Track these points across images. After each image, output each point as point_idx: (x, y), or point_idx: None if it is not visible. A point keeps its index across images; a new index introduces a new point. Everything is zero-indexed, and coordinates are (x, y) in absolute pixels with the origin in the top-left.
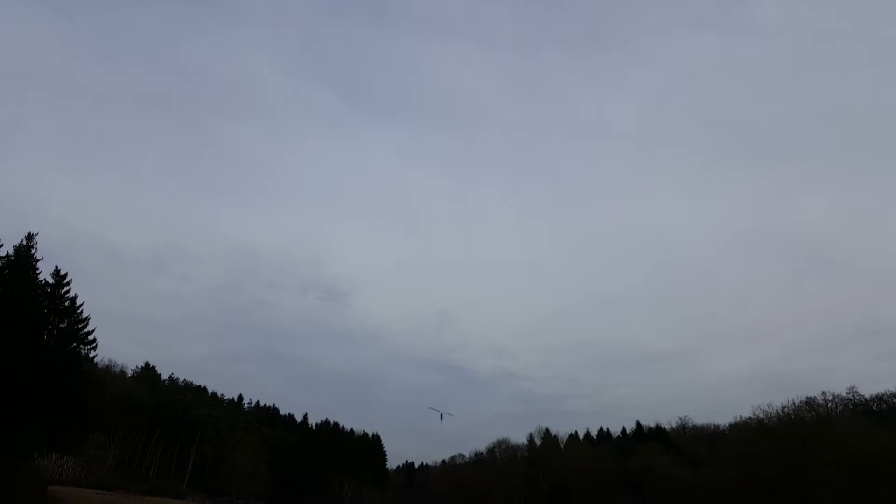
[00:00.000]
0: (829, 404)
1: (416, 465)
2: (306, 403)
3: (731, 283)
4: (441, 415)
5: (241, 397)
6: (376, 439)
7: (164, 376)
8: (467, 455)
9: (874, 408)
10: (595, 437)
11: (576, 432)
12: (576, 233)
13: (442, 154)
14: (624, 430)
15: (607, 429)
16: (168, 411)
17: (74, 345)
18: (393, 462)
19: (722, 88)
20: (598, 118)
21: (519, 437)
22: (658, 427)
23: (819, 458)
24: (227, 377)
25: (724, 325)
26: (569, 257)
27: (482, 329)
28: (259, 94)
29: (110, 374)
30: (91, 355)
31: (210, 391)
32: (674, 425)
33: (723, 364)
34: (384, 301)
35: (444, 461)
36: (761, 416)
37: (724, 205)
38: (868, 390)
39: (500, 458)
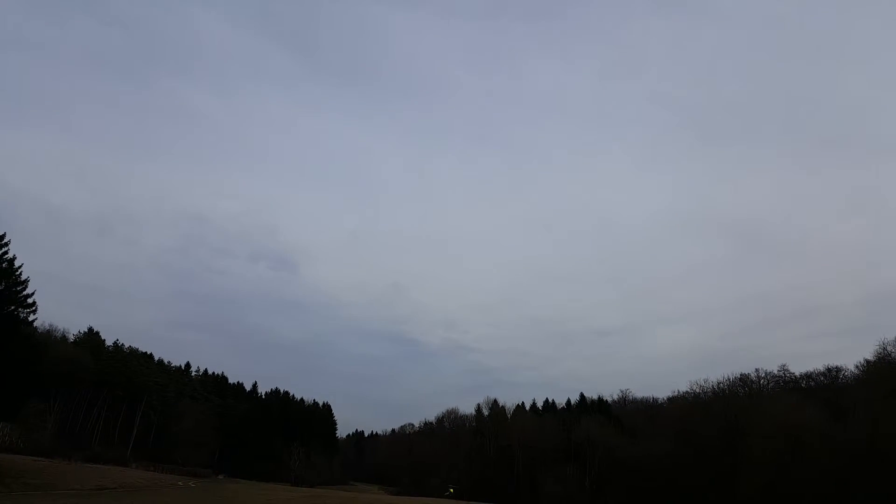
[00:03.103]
0: (762, 381)
1: (367, 434)
2: (256, 372)
3: (675, 262)
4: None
5: (188, 365)
6: (326, 408)
7: (109, 342)
8: (417, 425)
9: (803, 385)
10: (541, 407)
11: (522, 403)
12: (529, 207)
13: (399, 123)
14: (569, 401)
15: (553, 400)
16: (112, 378)
17: (12, 307)
18: (343, 431)
19: (673, 68)
20: (553, 92)
21: (468, 408)
22: (601, 399)
23: (750, 430)
24: (174, 344)
25: (666, 303)
26: (522, 232)
27: (435, 302)
28: (212, 54)
29: (51, 339)
30: (31, 319)
31: (156, 358)
32: (615, 398)
33: (664, 340)
34: (337, 271)
35: (393, 430)
36: (697, 390)
37: (669, 185)
38: (798, 368)
39: (448, 428)
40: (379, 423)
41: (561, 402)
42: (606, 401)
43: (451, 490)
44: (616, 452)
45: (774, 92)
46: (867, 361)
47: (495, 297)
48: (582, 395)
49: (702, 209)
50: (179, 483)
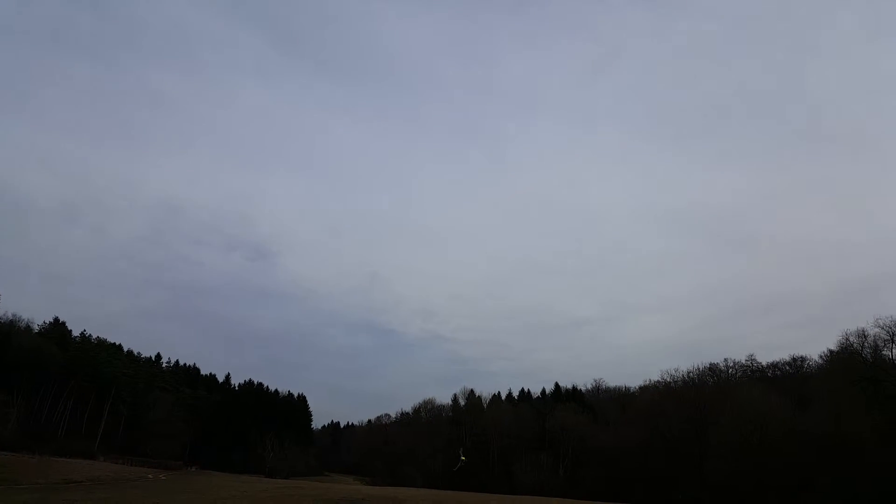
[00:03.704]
0: (730, 370)
1: (342, 425)
2: (229, 364)
3: (650, 254)
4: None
5: (159, 356)
6: (302, 400)
7: (76, 333)
8: (393, 415)
9: (769, 374)
10: (517, 397)
11: (499, 393)
12: (508, 199)
13: (379, 113)
14: (544, 390)
15: (528, 390)
16: (79, 369)
17: None
18: (319, 422)
19: (651, 65)
20: (533, 85)
21: (445, 398)
22: (575, 388)
23: (718, 418)
24: (144, 335)
25: (640, 295)
26: (501, 223)
27: (413, 292)
28: (187, 40)
29: (14, 329)
30: None
31: (126, 349)
32: (589, 387)
33: (637, 331)
34: (314, 262)
35: (370, 421)
36: (668, 379)
37: (647, 179)
38: (764, 358)
39: (425, 418)
40: (356, 414)
41: (536, 391)
42: (580, 390)
43: (463, 459)
44: (589, 440)
45: (747, 87)
46: (831, 352)
47: (473, 288)
48: (557, 385)
49: (677, 203)
50: (149, 476)
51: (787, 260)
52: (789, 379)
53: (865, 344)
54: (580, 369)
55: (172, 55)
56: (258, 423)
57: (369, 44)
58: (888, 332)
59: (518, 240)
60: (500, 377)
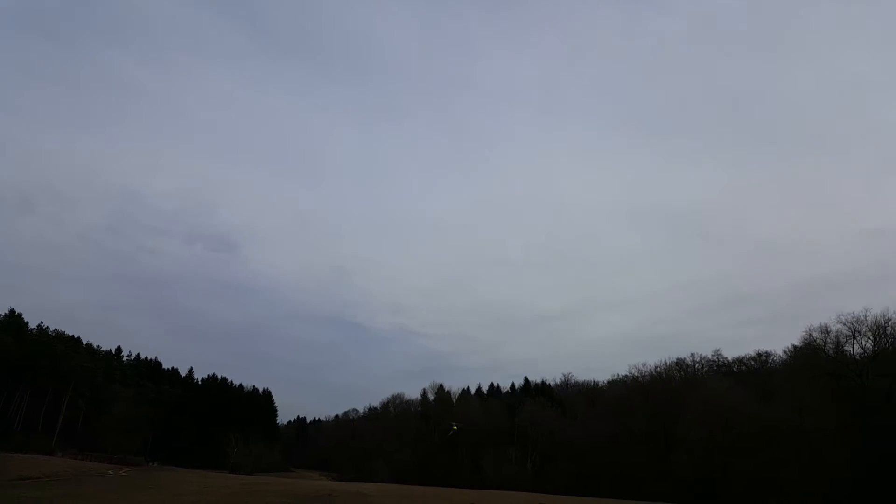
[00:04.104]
0: (696, 365)
1: (309, 421)
2: (192, 357)
3: (618, 249)
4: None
5: (119, 349)
6: (267, 394)
7: (32, 325)
8: (361, 410)
9: (734, 369)
10: (486, 391)
11: (468, 387)
12: (478, 193)
13: (349, 102)
14: (513, 385)
15: (498, 384)
16: (35, 362)
17: None
18: (285, 417)
19: (621, 62)
20: (505, 79)
21: (414, 393)
22: (544, 383)
23: (685, 412)
24: (104, 327)
25: (608, 289)
26: (470, 217)
27: (382, 286)
28: (149, 23)
29: None
30: None
31: (85, 342)
32: (558, 381)
33: (606, 325)
34: (280, 254)
35: (337, 416)
36: (636, 374)
37: (616, 175)
38: (730, 353)
39: (393, 413)
40: (323, 409)
41: (506, 386)
42: (549, 385)
43: (455, 428)
44: (557, 434)
45: (714, 86)
46: (794, 347)
47: (443, 282)
48: (526, 380)
49: (646, 199)
50: (109, 471)
51: (753, 257)
52: (754, 373)
53: (828, 340)
54: (550, 364)
55: (135, 39)
56: (222, 418)
57: (342, 33)
58: (850, 328)
59: (488, 234)
60: (470, 372)
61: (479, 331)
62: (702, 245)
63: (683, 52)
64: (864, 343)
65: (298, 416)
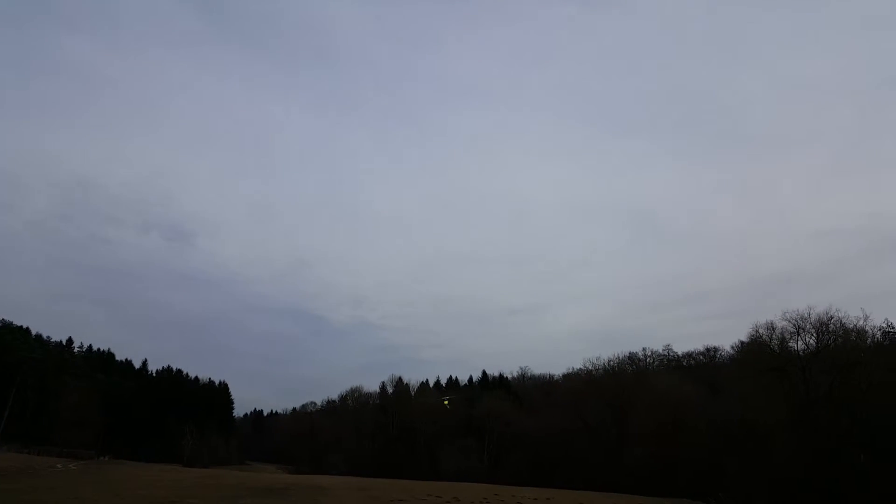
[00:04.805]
0: (648, 359)
1: (266, 413)
2: (146, 349)
3: (577, 245)
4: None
5: (70, 340)
6: (223, 387)
7: None
8: (319, 403)
9: (684, 363)
10: (445, 384)
11: (427, 381)
12: (439, 186)
13: (309, 93)
14: (471, 378)
15: (456, 377)
16: None
17: None
18: (242, 410)
19: (583, 58)
20: (467, 74)
21: (373, 386)
22: (501, 376)
23: (636, 405)
24: (55, 318)
25: (566, 284)
26: (432, 210)
27: (343, 279)
28: (105, 6)
29: None
30: None
31: (34, 332)
32: (515, 375)
33: (563, 320)
34: (238, 245)
35: (294, 409)
36: (590, 367)
37: (575, 172)
38: (680, 348)
39: (352, 406)
40: (281, 402)
41: (464, 379)
42: (507, 378)
43: (446, 402)
44: (514, 426)
45: (672, 87)
46: (741, 342)
47: (402, 275)
48: (484, 373)
49: (604, 197)
50: (59, 466)
51: (706, 255)
52: (703, 368)
53: (773, 336)
54: (507, 357)
55: (91, 23)
56: (177, 410)
57: (301, 22)
58: (794, 324)
59: (447, 227)
60: (430, 365)
61: (438, 324)
62: (657, 242)
63: (644, 52)
64: (807, 339)
65: (256, 409)
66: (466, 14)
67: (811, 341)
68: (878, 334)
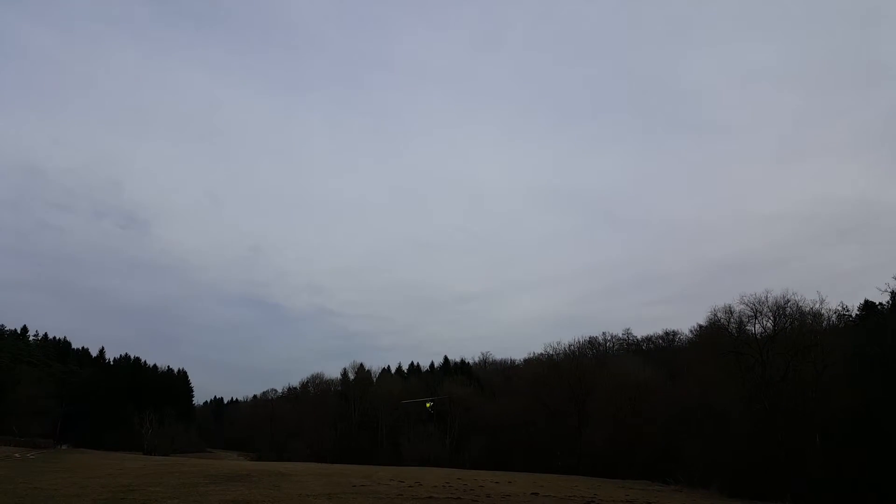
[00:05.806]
0: (608, 343)
1: (226, 401)
2: (103, 337)
3: (535, 231)
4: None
5: (25, 329)
6: (182, 375)
7: None
8: (280, 390)
9: (644, 347)
10: (406, 370)
11: (388, 367)
12: (394, 173)
13: (263, 76)
14: (432, 364)
15: (417, 363)
16: None
17: None
18: (201, 398)
19: (537, 45)
20: (422, 59)
21: (333, 373)
22: (463, 361)
23: (596, 389)
24: (8, 307)
25: (525, 270)
26: (388, 198)
27: (299, 266)
28: None
29: None
30: None
31: None
32: (477, 360)
33: (522, 305)
34: (192, 232)
35: (255, 396)
36: (551, 352)
37: (531, 159)
38: (640, 332)
39: (313, 393)
40: (240, 389)
41: (426, 365)
42: (468, 363)
43: (429, 405)
44: (475, 411)
45: (626, 72)
46: (700, 326)
47: (359, 262)
48: (446, 358)
49: (559, 183)
50: (16, 455)
51: (661, 240)
52: (662, 351)
53: (731, 319)
54: (468, 342)
55: (36, 3)
56: (135, 398)
57: (254, 3)
58: (751, 308)
59: (405, 215)
60: (390, 352)
61: (397, 311)
62: (613, 228)
63: (597, 38)
64: (764, 323)
65: (216, 397)
66: (421, 1)
67: (768, 325)
68: (834, 317)
